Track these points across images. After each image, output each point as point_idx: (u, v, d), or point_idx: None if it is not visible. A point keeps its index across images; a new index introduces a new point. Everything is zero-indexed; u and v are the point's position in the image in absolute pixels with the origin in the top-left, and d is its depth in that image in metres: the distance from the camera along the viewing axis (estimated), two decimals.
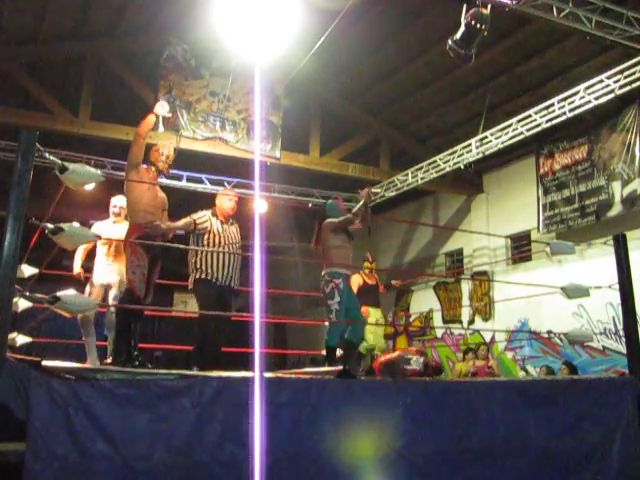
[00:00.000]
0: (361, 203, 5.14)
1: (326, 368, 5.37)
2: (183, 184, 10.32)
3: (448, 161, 10.04)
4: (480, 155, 9.50)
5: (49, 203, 4.20)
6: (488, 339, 10.74)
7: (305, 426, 3.25)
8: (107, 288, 5.57)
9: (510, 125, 8.87)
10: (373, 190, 5.46)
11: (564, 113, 8.06)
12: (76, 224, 3.27)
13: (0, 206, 3.37)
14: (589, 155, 9.12)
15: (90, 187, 6.86)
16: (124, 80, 9.36)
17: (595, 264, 8.13)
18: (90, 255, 5.85)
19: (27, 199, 2.98)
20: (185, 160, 9.85)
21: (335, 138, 10.90)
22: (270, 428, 2.99)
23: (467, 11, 5.88)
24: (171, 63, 9.39)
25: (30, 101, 9.03)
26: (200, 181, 10.60)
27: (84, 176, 3.35)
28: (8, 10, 7.72)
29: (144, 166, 4.90)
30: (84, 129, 8.92)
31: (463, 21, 5.86)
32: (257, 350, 3.37)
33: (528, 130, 8.66)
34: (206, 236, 5.06)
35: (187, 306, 16.98)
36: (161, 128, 9.15)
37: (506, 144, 9.06)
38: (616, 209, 8.60)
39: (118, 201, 5.84)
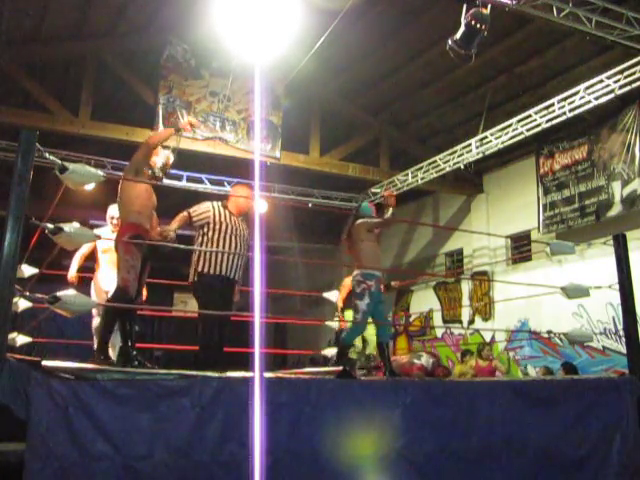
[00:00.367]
0: (391, 211, 5.40)
1: (327, 368, 5.39)
2: (183, 184, 10.33)
3: (448, 161, 10.05)
4: (480, 155, 9.50)
5: (49, 203, 4.20)
6: (488, 339, 10.74)
7: (305, 426, 3.25)
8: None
9: (510, 125, 8.88)
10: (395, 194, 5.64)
11: (564, 113, 8.07)
12: (76, 224, 3.27)
13: (0, 206, 3.38)
14: (589, 155, 9.12)
15: (90, 187, 6.86)
16: (124, 80, 9.36)
17: (595, 264, 8.13)
18: (87, 258, 5.86)
19: (27, 199, 2.98)
20: (185, 160, 9.85)
21: (335, 138, 10.91)
22: (270, 428, 2.99)
23: (467, 11, 5.88)
24: (171, 63, 9.39)
25: (30, 101, 9.04)
26: (200, 181, 10.61)
27: (84, 176, 3.35)
28: (8, 10, 7.72)
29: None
30: (84, 129, 8.92)
31: (463, 21, 5.87)
32: (257, 350, 3.37)
33: (528, 130, 8.67)
34: (210, 225, 4.89)
35: (187, 306, 17.00)
36: (161, 128, 9.22)
37: (506, 144, 9.07)
38: (616, 209, 8.60)
39: (116, 212, 5.88)
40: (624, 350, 4.88)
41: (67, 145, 9.21)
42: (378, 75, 10.00)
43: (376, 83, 10.26)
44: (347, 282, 7.87)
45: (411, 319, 12.96)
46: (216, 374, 3.38)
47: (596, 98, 7.67)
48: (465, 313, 11.44)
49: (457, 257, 12.07)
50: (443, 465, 3.53)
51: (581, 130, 9.26)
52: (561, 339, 8.89)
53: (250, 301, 3.44)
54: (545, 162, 9.87)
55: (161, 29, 9.13)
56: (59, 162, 3.23)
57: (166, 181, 10.60)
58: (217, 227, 4.88)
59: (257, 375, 3.11)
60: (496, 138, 9.13)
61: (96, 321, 5.92)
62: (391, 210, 5.52)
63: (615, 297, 4.81)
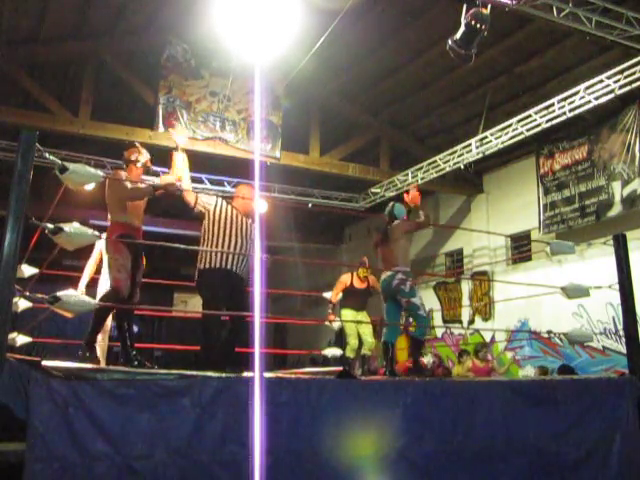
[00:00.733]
0: (422, 213, 5.65)
1: (328, 368, 5.42)
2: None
3: (448, 161, 10.05)
4: (480, 155, 9.51)
5: (49, 203, 4.20)
6: (488, 339, 10.74)
7: (305, 426, 3.25)
8: None
9: (510, 125, 8.88)
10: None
11: (564, 113, 8.07)
12: (76, 224, 3.27)
13: (0, 206, 3.38)
14: (589, 155, 9.12)
15: (90, 187, 6.86)
16: (124, 80, 9.36)
17: (595, 264, 8.13)
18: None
19: (27, 199, 2.98)
20: None
21: (335, 138, 10.91)
22: (270, 428, 2.99)
23: (467, 11, 5.88)
24: (171, 63, 9.39)
25: (30, 101, 9.04)
26: (200, 181, 10.61)
27: (84, 176, 3.35)
28: (8, 10, 7.72)
29: (134, 167, 4.86)
30: (84, 129, 8.92)
31: (463, 21, 5.86)
32: (257, 350, 3.37)
33: (528, 130, 8.67)
34: (210, 218, 4.81)
35: (187, 306, 17.01)
36: (161, 128, 9.23)
37: (506, 144, 9.07)
38: (616, 209, 8.60)
39: None
40: (624, 350, 4.88)
41: (67, 145, 9.21)
42: (378, 75, 10.00)
43: (376, 83, 10.26)
44: (344, 279, 7.88)
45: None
46: (216, 374, 3.37)
47: (596, 98, 7.66)
48: (465, 313, 11.44)
49: (457, 257, 12.06)
50: (443, 465, 3.53)
51: (581, 130, 9.26)
52: (561, 339, 8.89)
53: (250, 301, 3.44)
54: (545, 162, 9.87)
55: (161, 29, 9.13)
56: (59, 162, 3.23)
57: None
58: (217, 221, 4.79)
59: (257, 375, 3.11)
60: (496, 138, 9.13)
61: None
62: (421, 212, 5.71)
63: (615, 297, 4.81)
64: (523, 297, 8.51)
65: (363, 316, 7.92)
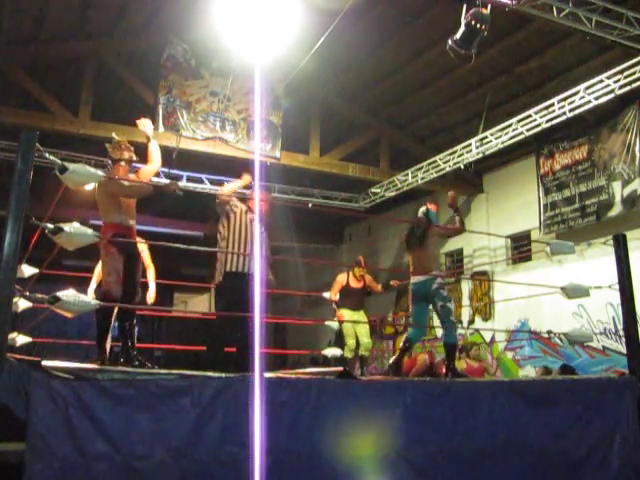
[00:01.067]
0: (458, 218, 5.85)
1: (328, 368, 5.43)
2: (183, 184, 10.32)
3: (448, 161, 10.05)
4: (480, 155, 9.51)
5: (49, 203, 4.20)
6: (488, 339, 10.75)
7: (305, 426, 3.24)
8: None
9: (510, 125, 8.88)
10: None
11: (564, 113, 8.07)
12: (76, 224, 3.27)
13: (0, 206, 3.38)
14: (589, 155, 9.12)
15: (90, 187, 6.88)
16: (124, 80, 9.36)
17: (595, 264, 8.13)
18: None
19: (27, 199, 2.98)
20: (185, 160, 9.88)
21: (335, 138, 10.91)
22: (270, 428, 2.99)
23: (467, 11, 5.89)
24: (171, 63, 9.39)
25: (30, 101, 9.04)
26: (200, 181, 10.61)
27: (84, 176, 3.35)
28: (8, 10, 7.72)
29: (122, 164, 4.85)
30: (84, 129, 8.92)
31: (463, 21, 5.87)
32: (257, 350, 3.37)
33: (528, 130, 8.67)
34: (232, 218, 4.86)
35: (187, 306, 17.03)
36: (161, 128, 9.23)
37: (506, 144, 9.07)
38: (617, 209, 8.60)
39: None
40: (624, 350, 4.88)
41: (67, 145, 9.21)
42: (378, 75, 10.00)
43: (376, 83, 10.26)
44: (340, 278, 7.88)
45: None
46: (216, 374, 3.37)
47: (596, 98, 7.67)
48: (465, 313, 11.43)
49: (457, 257, 12.06)
50: (443, 465, 3.53)
51: (581, 130, 9.26)
52: (561, 339, 8.88)
53: (250, 301, 3.45)
54: (545, 162, 9.87)
55: (161, 29, 9.13)
56: (59, 162, 3.23)
57: (166, 181, 10.64)
58: (242, 224, 4.87)
59: (257, 375, 3.11)
60: (496, 138, 9.13)
61: None
62: (457, 217, 5.90)
63: (615, 297, 4.81)
64: (523, 297, 8.52)
65: (360, 316, 7.96)
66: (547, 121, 8.35)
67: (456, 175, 11.00)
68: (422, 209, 6.14)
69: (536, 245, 9.91)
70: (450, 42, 6.01)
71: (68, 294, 3.10)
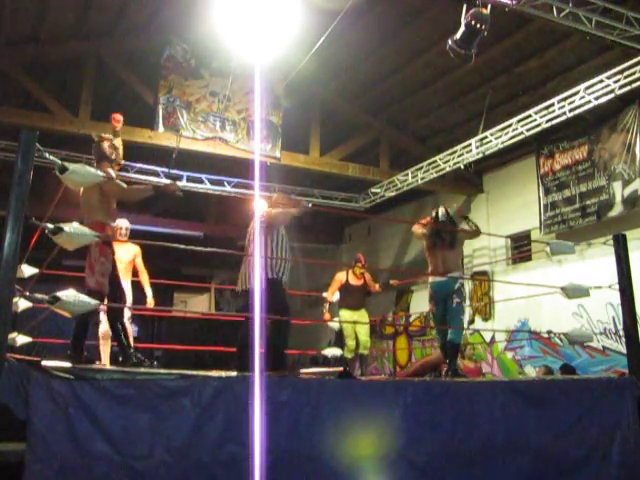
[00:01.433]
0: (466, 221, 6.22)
1: (328, 368, 5.45)
2: (183, 184, 10.32)
3: (448, 161, 10.05)
4: (480, 155, 9.50)
5: (49, 203, 4.20)
6: (488, 339, 10.75)
7: (305, 426, 3.25)
8: None
9: (510, 125, 8.88)
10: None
11: (564, 113, 8.07)
12: (76, 224, 3.27)
13: (0, 206, 3.38)
14: (589, 155, 9.11)
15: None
16: (124, 80, 9.36)
17: (595, 264, 8.13)
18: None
19: (27, 199, 2.98)
20: (185, 160, 9.88)
21: (335, 138, 10.90)
22: (270, 428, 2.99)
23: (467, 11, 5.88)
24: (171, 63, 9.39)
25: (30, 101, 9.04)
26: (200, 181, 10.61)
27: (84, 176, 3.35)
28: (8, 10, 7.72)
29: (112, 165, 4.82)
30: (84, 129, 8.90)
31: (463, 21, 5.86)
32: (257, 350, 3.37)
33: (528, 130, 8.67)
34: (278, 232, 5.04)
35: (187, 306, 17.03)
36: (161, 128, 9.23)
37: (506, 144, 9.07)
38: (617, 209, 8.59)
39: (124, 223, 6.38)
40: (624, 350, 4.89)
41: (67, 145, 9.21)
42: (378, 75, 10.00)
43: (376, 83, 10.26)
44: (339, 276, 7.85)
45: (411, 319, 12.96)
46: (216, 374, 3.38)
47: (596, 98, 7.66)
48: (465, 313, 11.42)
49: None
50: (443, 465, 3.53)
51: (581, 130, 9.26)
52: (561, 339, 8.89)
53: (250, 301, 3.44)
54: (545, 162, 9.87)
55: (161, 29, 9.13)
56: (59, 162, 3.23)
57: (166, 181, 10.63)
58: (280, 232, 5.07)
59: (257, 375, 3.11)
60: (496, 138, 9.13)
61: (103, 327, 6.01)
62: (471, 222, 6.38)
63: (615, 297, 4.82)
64: (523, 297, 8.51)
65: (360, 315, 7.86)
66: (547, 121, 8.35)
67: (456, 175, 11.00)
68: (441, 211, 6.20)
69: (536, 245, 9.91)
70: (450, 42, 6.01)
71: (68, 294, 3.10)
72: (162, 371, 3.48)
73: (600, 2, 6.28)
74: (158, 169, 10.08)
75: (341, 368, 4.61)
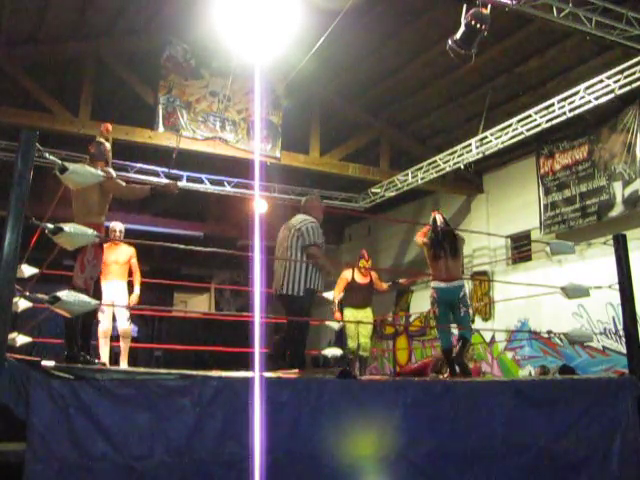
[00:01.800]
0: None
1: (329, 368, 5.49)
2: (183, 184, 10.32)
3: (448, 161, 10.05)
4: (480, 155, 9.50)
5: (49, 203, 4.20)
6: (488, 339, 10.75)
7: (305, 426, 3.25)
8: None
9: (510, 125, 8.88)
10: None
11: (564, 113, 8.07)
12: (76, 225, 3.27)
13: (0, 206, 3.38)
14: (590, 155, 9.11)
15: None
16: (124, 80, 9.36)
17: (595, 264, 8.13)
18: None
19: (27, 199, 2.98)
20: (185, 160, 9.88)
21: (335, 138, 10.90)
22: (270, 428, 2.99)
23: (467, 11, 5.88)
24: (171, 63, 9.39)
25: (30, 101, 9.03)
26: (200, 181, 10.61)
27: (84, 176, 3.35)
28: (8, 10, 7.72)
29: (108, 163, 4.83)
30: (84, 129, 8.91)
31: (463, 21, 5.86)
32: (257, 350, 3.37)
33: (528, 130, 8.67)
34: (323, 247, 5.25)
35: (187, 306, 17.02)
36: (161, 128, 9.23)
37: (506, 144, 9.06)
38: (617, 209, 8.59)
39: (119, 226, 6.48)
40: (624, 350, 4.88)
41: (67, 145, 9.21)
42: (378, 75, 10.00)
43: (376, 83, 10.26)
44: (345, 275, 7.74)
45: (411, 319, 12.96)
46: (216, 374, 3.38)
47: (596, 98, 7.66)
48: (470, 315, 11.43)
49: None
50: (443, 465, 3.53)
51: (581, 130, 9.26)
52: (561, 339, 8.89)
53: (250, 301, 3.44)
54: (545, 162, 9.87)
55: (161, 29, 9.13)
56: (59, 162, 3.23)
57: (166, 181, 10.63)
58: (323, 247, 5.27)
59: (257, 375, 3.11)
60: (496, 138, 9.13)
61: (103, 326, 6.05)
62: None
63: (615, 297, 4.81)
64: (523, 297, 8.51)
65: (365, 314, 7.65)
66: (547, 121, 8.35)
67: (456, 175, 11.00)
68: (438, 217, 6.29)
69: (536, 245, 9.91)
70: (450, 42, 6.01)
71: (68, 294, 3.10)
72: (162, 371, 3.48)
73: (600, 2, 6.28)
74: (158, 169, 10.08)
75: (341, 368, 4.61)
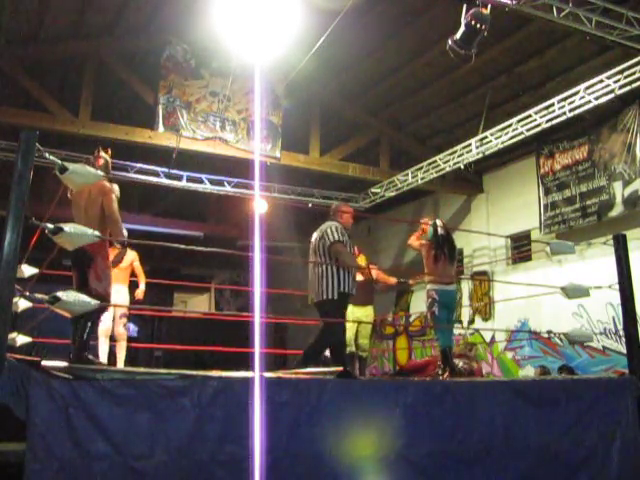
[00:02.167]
0: None
1: (329, 368, 5.47)
2: (183, 184, 10.33)
3: (448, 161, 10.05)
4: (480, 155, 9.50)
5: (49, 203, 4.20)
6: (488, 339, 10.75)
7: (305, 426, 3.25)
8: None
9: (510, 125, 8.87)
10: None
11: (564, 113, 8.06)
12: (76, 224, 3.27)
13: (0, 206, 3.37)
14: (590, 155, 9.12)
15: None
16: (124, 80, 9.36)
17: (595, 264, 8.13)
18: None
19: (27, 199, 2.98)
20: (185, 160, 9.89)
21: (335, 138, 10.91)
22: (270, 428, 2.99)
23: (467, 11, 5.88)
24: (171, 63, 9.39)
25: (30, 101, 9.04)
26: (200, 181, 10.61)
27: (84, 176, 3.35)
28: (8, 10, 7.72)
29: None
30: (84, 129, 8.91)
31: (463, 21, 5.86)
32: (257, 350, 3.37)
33: (528, 130, 8.67)
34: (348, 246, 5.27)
35: (187, 306, 17.03)
36: (161, 128, 9.24)
37: (506, 144, 9.06)
38: (617, 209, 8.59)
39: None
40: (624, 350, 4.88)
41: (67, 145, 9.21)
42: (378, 75, 10.00)
43: (376, 83, 10.26)
44: None
45: (411, 319, 12.96)
46: (216, 374, 3.38)
47: (596, 98, 7.66)
48: (465, 313, 11.43)
49: (457, 257, 12.04)
50: (443, 465, 3.53)
51: (581, 130, 9.26)
52: (561, 339, 8.89)
53: (250, 301, 3.44)
54: (545, 162, 9.87)
55: (161, 29, 9.13)
56: (59, 162, 3.22)
57: (166, 181, 10.65)
58: (348, 246, 5.30)
59: (257, 375, 3.11)
60: (496, 138, 9.13)
61: (104, 325, 6.09)
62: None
63: (615, 297, 4.81)
64: (523, 297, 8.51)
65: (366, 312, 7.44)
66: (547, 121, 8.35)
67: (456, 175, 10.99)
68: (439, 223, 6.45)
69: (536, 245, 9.91)
70: (450, 42, 6.01)
71: (68, 294, 3.10)
72: (162, 371, 3.48)
73: (600, 2, 6.28)
74: (158, 169, 10.09)
75: (341, 368, 4.61)
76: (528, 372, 9.72)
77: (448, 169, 10.11)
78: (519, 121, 8.73)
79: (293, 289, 12.46)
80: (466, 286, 11.54)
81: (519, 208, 10.48)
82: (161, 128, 9.24)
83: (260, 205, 9.76)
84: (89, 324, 4.50)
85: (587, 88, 7.70)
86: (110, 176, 4.99)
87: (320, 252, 5.21)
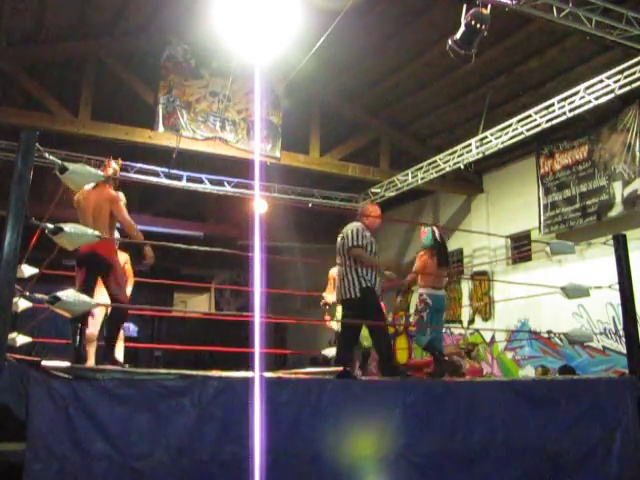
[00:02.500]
0: None
1: (328, 368, 5.48)
2: (183, 184, 10.33)
3: (448, 161, 10.04)
4: (480, 155, 9.50)
5: (49, 203, 4.20)
6: (488, 339, 10.75)
7: (305, 426, 3.25)
8: None
9: (510, 125, 8.87)
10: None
11: (564, 113, 8.06)
12: (76, 224, 3.27)
13: (0, 206, 3.37)
14: (589, 155, 9.11)
15: (89, 187, 6.94)
16: (124, 80, 9.36)
17: (595, 264, 8.12)
18: None
19: (27, 199, 2.98)
20: (185, 160, 9.89)
21: (335, 138, 10.91)
22: (270, 428, 2.99)
23: (467, 11, 5.88)
24: (171, 63, 9.39)
25: (30, 101, 9.04)
26: (200, 181, 10.61)
27: (84, 176, 3.35)
28: (8, 10, 7.72)
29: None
30: (84, 129, 8.92)
31: (463, 21, 5.86)
32: (257, 350, 3.38)
33: (528, 130, 8.67)
34: (368, 247, 5.29)
35: (187, 306, 17.04)
36: (161, 128, 9.24)
37: (506, 144, 9.06)
38: (617, 209, 8.59)
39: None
40: (624, 350, 4.88)
41: (67, 145, 9.21)
42: (378, 75, 10.00)
43: (376, 83, 10.26)
44: (333, 272, 7.66)
45: (411, 319, 12.95)
46: (216, 374, 3.38)
47: (596, 98, 7.66)
48: (465, 313, 11.43)
49: (457, 257, 12.05)
50: (443, 465, 3.53)
51: (581, 130, 9.26)
52: (561, 339, 8.89)
53: (250, 301, 3.44)
54: (545, 162, 9.87)
55: (161, 29, 9.13)
56: (59, 162, 3.23)
57: (166, 181, 10.65)
58: (371, 242, 5.32)
59: (257, 375, 3.11)
60: (496, 138, 9.13)
61: (89, 331, 6.05)
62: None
63: (615, 297, 4.81)
64: (523, 297, 8.51)
65: None
66: (547, 121, 8.34)
67: (456, 175, 10.99)
68: (437, 232, 6.53)
69: (536, 245, 9.90)
70: (450, 42, 6.01)
71: (68, 294, 3.10)
72: (162, 371, 3.48)
73: (600, 2, 6.28)
74: (158, 169, 10.08)
75: (341, 368, 4.60)
76: (528, 372, 9.72)
77: (448, 169, 10.11)
78: (519, 121, 8.73)
79: (293, 289, 12.50)
80: (466, 286, 11.54)
81: (519, 208, 10.48)
82: (161, 128, 9.24)
83: (260, 205, 9.76)
84: (118, 325, 4.75)
85: (587, 88, 7.70)
86: (117, 184, 5.02)
87: (342, 253, 5.27)
